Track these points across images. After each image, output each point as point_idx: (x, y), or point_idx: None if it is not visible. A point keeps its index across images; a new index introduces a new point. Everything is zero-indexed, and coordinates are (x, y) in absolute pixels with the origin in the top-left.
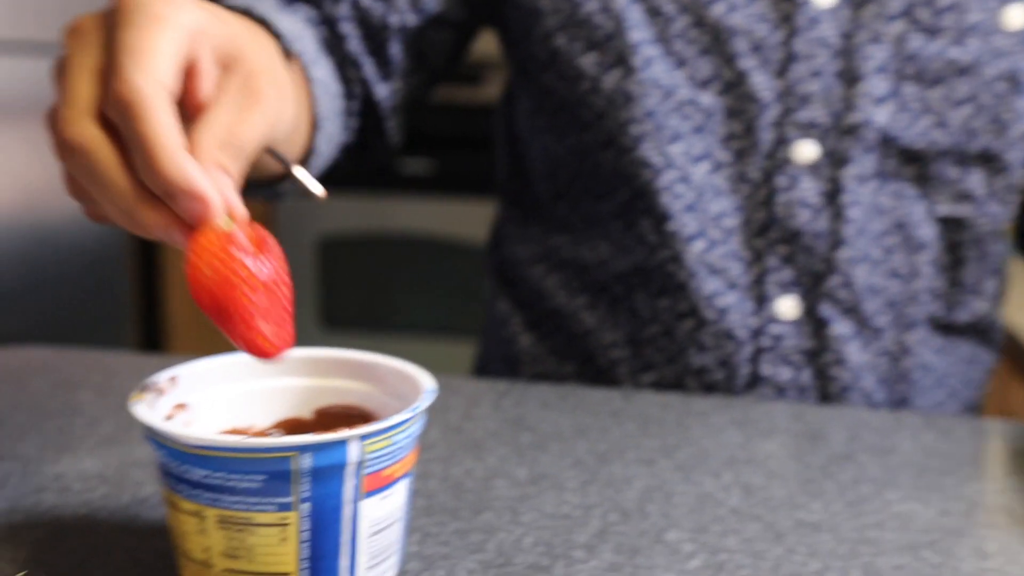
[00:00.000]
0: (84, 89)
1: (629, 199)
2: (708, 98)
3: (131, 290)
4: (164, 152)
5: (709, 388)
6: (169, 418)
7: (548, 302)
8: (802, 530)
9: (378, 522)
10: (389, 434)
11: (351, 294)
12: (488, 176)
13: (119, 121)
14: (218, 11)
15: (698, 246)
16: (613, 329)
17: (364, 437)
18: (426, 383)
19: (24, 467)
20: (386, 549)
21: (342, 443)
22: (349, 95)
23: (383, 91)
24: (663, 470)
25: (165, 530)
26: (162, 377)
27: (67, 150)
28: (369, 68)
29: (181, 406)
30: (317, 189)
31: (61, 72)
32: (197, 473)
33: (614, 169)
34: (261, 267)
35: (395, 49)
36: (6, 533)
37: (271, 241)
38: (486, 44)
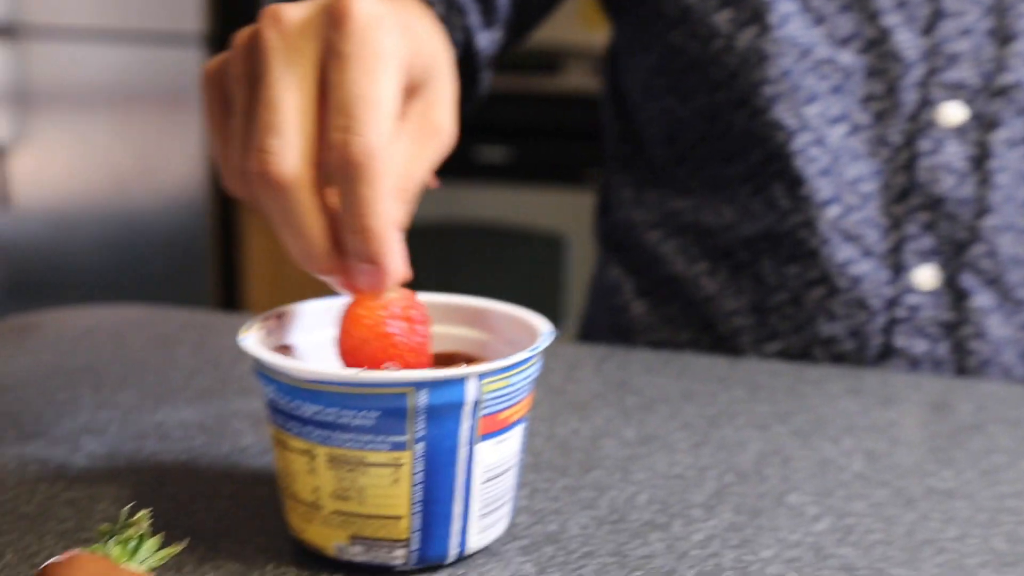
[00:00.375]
0: (299, 122)
1: (760, 162)
2: (848, 57)
3: (212, 271)
4: (379, 224)
5: (838, 358)
6: None
7: (664, 268)
8: (935, 497)
9: (493, 467)
10: (508, 374)
11: (424, 282)
12: (564, 165)
13: (342, 177)
14: (408, 20)
15: (832, 211)
16: (736, 296)
17: (482, 376)
18: (542, 327)
19: (124, 415)
20: (500, 497)
21: (460, 380)
22: (451, 43)
23: (484, 40)
24: (778, 435)
25: (267, 478)
26: (271, 315)
27: (267, 185)
28: (474, 16)
29: (286, 348)
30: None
31: (259, 79)
32: (308, 409)
33: (745, 131)
34: (412, 337)
35: None
36: (108, 476)
37: (420, 307)
38: (564, 32)
